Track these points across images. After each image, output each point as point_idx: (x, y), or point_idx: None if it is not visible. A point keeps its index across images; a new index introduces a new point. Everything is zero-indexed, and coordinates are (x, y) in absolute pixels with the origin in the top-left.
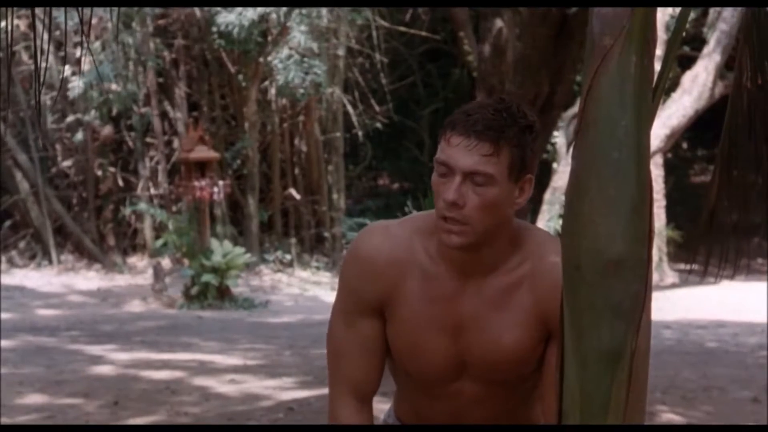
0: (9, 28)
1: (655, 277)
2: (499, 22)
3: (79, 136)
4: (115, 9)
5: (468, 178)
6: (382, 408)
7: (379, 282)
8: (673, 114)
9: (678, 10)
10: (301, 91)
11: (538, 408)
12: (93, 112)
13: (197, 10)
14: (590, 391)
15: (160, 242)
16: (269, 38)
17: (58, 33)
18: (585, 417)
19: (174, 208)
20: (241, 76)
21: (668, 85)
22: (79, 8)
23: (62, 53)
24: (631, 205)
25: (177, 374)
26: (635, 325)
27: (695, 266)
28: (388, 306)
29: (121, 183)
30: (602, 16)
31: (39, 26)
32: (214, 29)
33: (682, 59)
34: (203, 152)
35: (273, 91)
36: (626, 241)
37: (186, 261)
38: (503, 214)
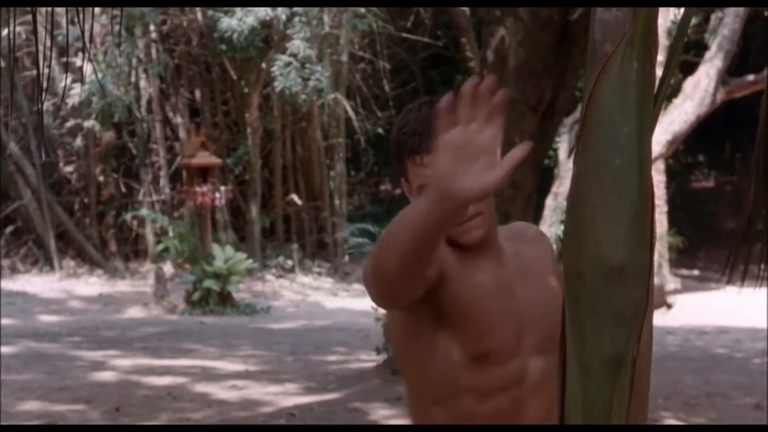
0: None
1: (657, 282)
2: (501, 29)
3: (80, 142)
4: (117, 16)
5: None
6: (383, 414)
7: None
8: (674, 120)
9: (680, 16)
10: (303, 97)
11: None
12: (92, 119)
13: (200, 16)
14: (593, 398)
15: (160, 247)
16: (271, 44)
17: (60, 38)
18: (587, 424)
19: (176, 214)
20: (243, 82)
21: (670, 91)
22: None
23: (65, 59)
24: (632, 211)
25: (179, 380)
26: (637, 332)
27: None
28: (443, 283)
29: (123, 189)
30: (603, 23)
31: (41, 31)
32: (216, 35)
33: (684, 65)
34: (205, 158)
35: (275, 97)
36: (628, 248)
37: (188, 267)
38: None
